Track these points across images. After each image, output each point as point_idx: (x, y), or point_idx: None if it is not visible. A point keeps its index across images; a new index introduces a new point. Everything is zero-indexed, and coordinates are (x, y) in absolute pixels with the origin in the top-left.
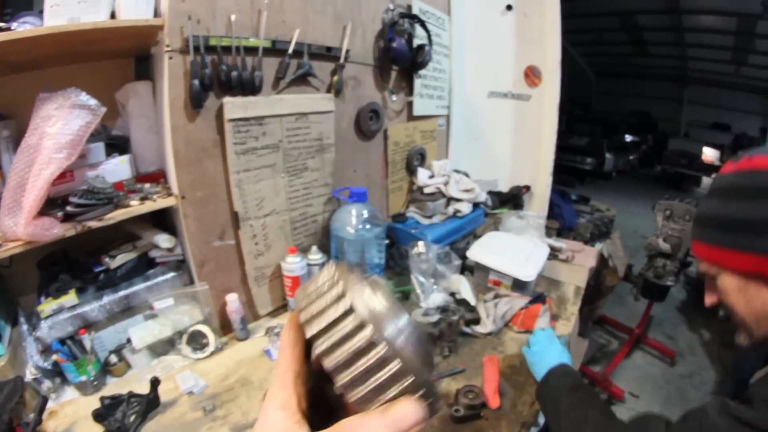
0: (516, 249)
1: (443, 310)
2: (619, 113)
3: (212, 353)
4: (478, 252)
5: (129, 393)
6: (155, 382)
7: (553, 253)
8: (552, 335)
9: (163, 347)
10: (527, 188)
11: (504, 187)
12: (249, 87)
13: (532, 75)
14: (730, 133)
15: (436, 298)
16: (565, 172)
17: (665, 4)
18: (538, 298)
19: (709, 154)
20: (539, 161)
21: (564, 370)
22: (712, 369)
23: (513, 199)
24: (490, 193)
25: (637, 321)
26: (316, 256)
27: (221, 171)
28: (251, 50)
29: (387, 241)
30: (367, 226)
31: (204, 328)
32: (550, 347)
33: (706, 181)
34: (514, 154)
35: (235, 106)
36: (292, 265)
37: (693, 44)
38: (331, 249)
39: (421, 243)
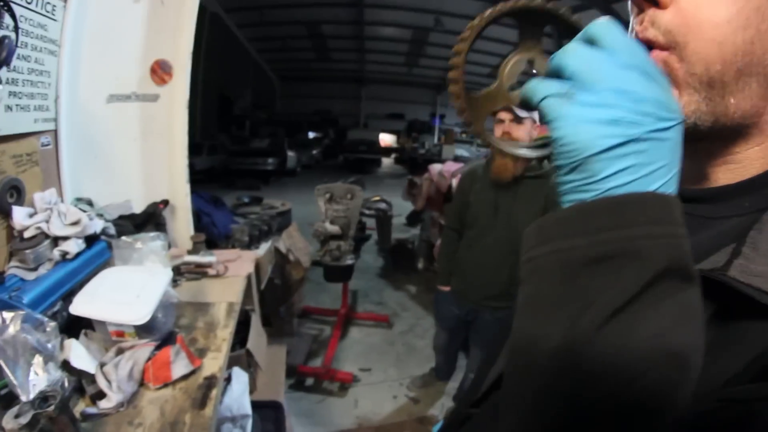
0: (128, 285)
1: (44, 399)
2: (302, 114)
3: None
4: (82, 302)
5: None
6: None
7: (203, 271)
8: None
9: None
10: (165, 203)
11: (139, 207)
12: None
13: (160, 71)
14: (404, 120)
15: (39, 382)
16: (248, 176)
17: (350, 16)
18: (167, 339)
19: (387, 138)
20: (174, 169)
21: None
22: (428, 316)
23: (150, 219)
24: (122, 218)
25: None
26: None
27: None
28: None
29: None
30: None
31: None
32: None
33: (387, 161)
34: (146, 166)
35: None
36: None
37: (372, 50)
38: None
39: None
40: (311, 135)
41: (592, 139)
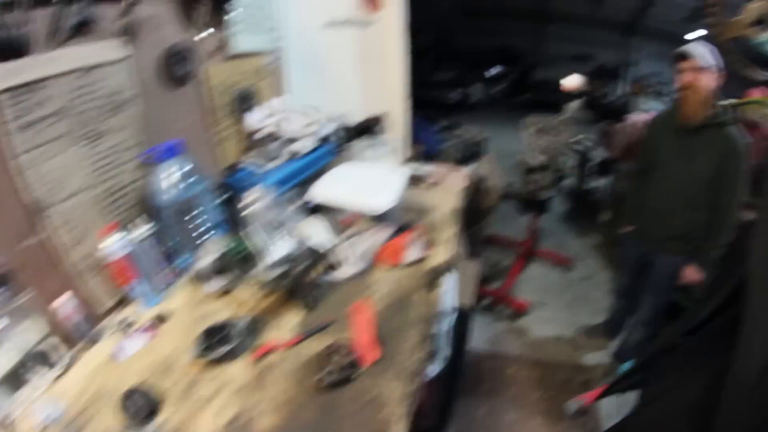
0: (369, 179)
1: (290, 260)
2: (486, 48)
3: (64, 370)
4: (322, 190)
5: None
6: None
7: (421, 180)
8: None
9: (16, 379)
10: (382, 118)
11: (357, 119)
12: (16, 48)
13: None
14: (591, 63)
15: (282, 248)
16: (432, 107)
17: None
18: (405, 227)
19: (573, 81)
20: (392, 86)
21: None
22: (608, 268)
23: (367, 130)
24: (342, 126)
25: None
26: (142, 229)
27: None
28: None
29: (224, 197)
30: (189, 182)
31: (50, 343)
32: None
33: (573, 105)
34: (364, 84)
35: (7, 73)
36: (112, 246)
37: None
38: (160, 217)
39: (253, 190)
40: (495, 70)
41: None
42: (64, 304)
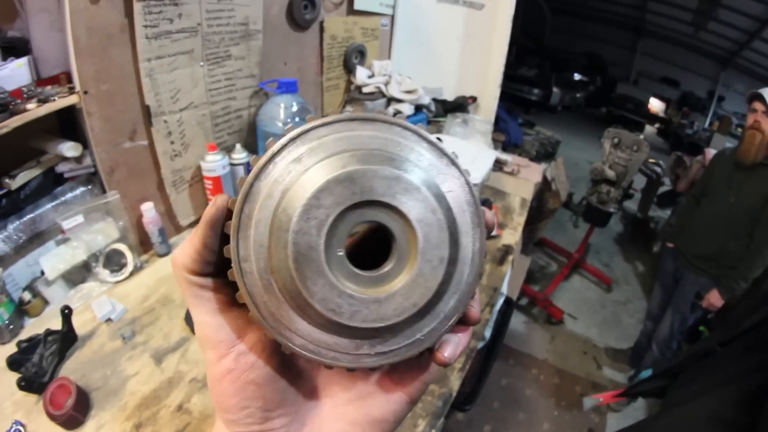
0: (460, 151)
1: None
2: (570, 52)
3: (131, 274)
4: None
5: (46, 331)
6: (67, 314)
7: (499, 165)
8: None
9: (80, 274)
10: (473, 99)
11: (449, 96)
12: None
13: None
14: (678, 89)
15: None
16: (511, 101)
17: None
18: (484, 203)
19: (655, 104)
20: (488, 72)
21: None
22: (644, 299)
23: (458, 109)
24: (434, 100)
25: (576, 247)
26: (240, 155)
27: (130, 60)
28: None
29: None
30: (297, 120)
31: (121, 247)
32: None
33: (649, 129)
34: (462, 64)
35: None
36: (213, 164)
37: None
38: (258, 148)
39: None
40: (577, 77)
41: None
42: (149, 210)
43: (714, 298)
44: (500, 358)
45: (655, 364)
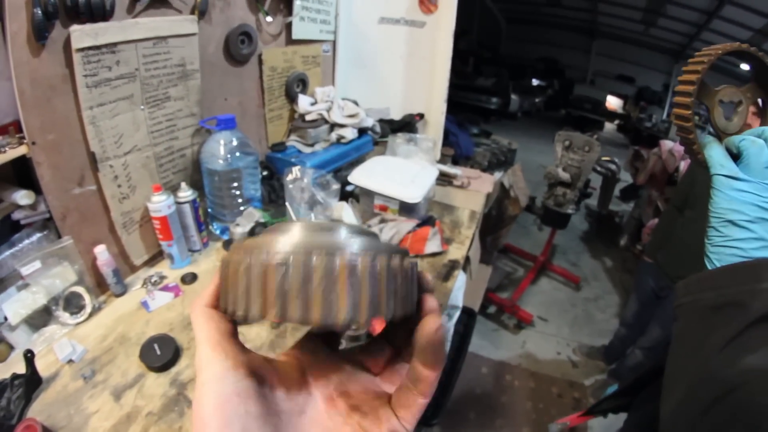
0: (402, 172)
1: None
2: (527, 58)
3: (90, 315)
4: (360, 175)
5: (12, 375)
6: (29, 357)
7: (448, 180)
8: None
9: (41, 318)
10: (420, 116)
11: (396, 115)
12: (99, 12)
13: (427, 1)
14: (633, 86)
15: None
16: (470, 111)
17: None
18: (427, 221)
19: (613, 102)
20: (433, 88)
21: None
22: (615, 293)
23: (405, 127)
24: (381, 121)
25: (542, 250)
26: (186, 193)
27: (73, 109)
28: None
29: (265, 173)
30: (237, 155)
31: (79, 289)
32: None
33: (609, 126)
34: (407, 82)
35: (83, 34)
36: (158, 204)
37: (606, 1)
38: (204, 184)
39: (295, 168)
40: (535, 82)
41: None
42: (102, 252)
43: None
44: (472, 367)
45: (621, 380)
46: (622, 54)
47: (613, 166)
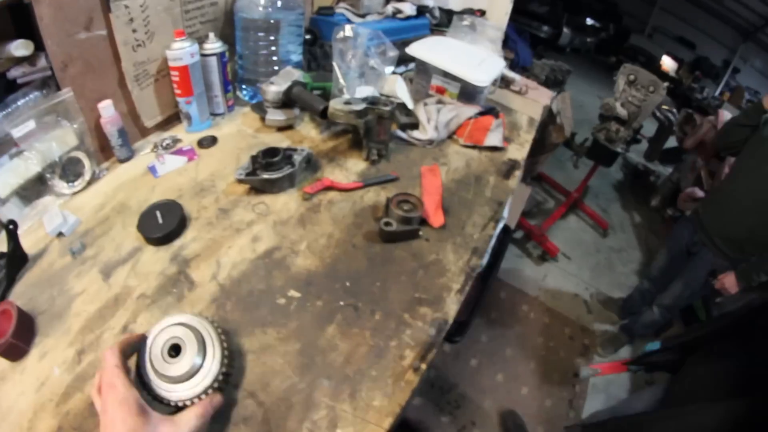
0: (468, 54)
1: (372, 102)
2: None
3: (89, 183)
4: (421, 49)
5: None
6: (12, 230)
7: (505, 83)
8: None
9: (35, 189)
10: (482, 12)
11: (456, 7)
12: None
13: None
14: (693, 52)
15: (364, 90)
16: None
17: None
18: (491, 111)
19: (668, 63)
20: None
21: None
22: (639, 249)
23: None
24: (441, 9)
25: (575, 187)
26: (214, 44)
27: None
28: None
29: (308, 36)
30: (279, 5)
31: (78, 154)
32: None
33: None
34: None
35: None
36: (179, 51)
37: None
38: (236, 38)
39: (347, 27)
40: (590, 21)
41: None
42: (107, 107)
43: (729, 284)
44: (492, 290)
45: (666, 339)
46: (689, 16)
47: (671, 116)
